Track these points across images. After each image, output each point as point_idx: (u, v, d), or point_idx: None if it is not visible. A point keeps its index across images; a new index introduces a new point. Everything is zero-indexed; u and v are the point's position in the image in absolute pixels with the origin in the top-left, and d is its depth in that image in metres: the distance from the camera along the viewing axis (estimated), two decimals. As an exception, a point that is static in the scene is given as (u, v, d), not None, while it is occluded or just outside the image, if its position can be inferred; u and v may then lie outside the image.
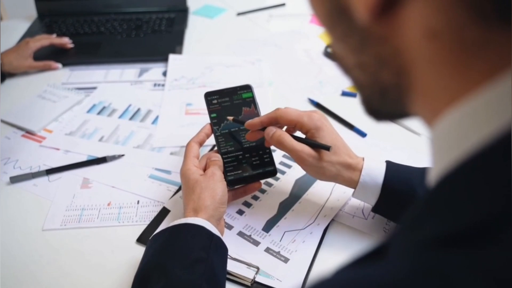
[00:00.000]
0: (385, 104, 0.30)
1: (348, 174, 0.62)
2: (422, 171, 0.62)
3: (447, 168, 0.23)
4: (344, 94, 0.98)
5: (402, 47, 0.25)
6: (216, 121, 0.70)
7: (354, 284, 0.22)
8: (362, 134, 0.86)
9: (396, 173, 0.62)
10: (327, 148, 0.60)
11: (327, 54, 1.10)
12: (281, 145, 0.62)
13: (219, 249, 0.58)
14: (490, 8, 0.21)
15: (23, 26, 1.25)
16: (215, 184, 0.62)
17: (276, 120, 0.64)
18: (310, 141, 0.62)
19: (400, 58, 0.25)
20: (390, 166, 0.62)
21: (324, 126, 0.63)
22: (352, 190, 0.64)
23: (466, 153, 0.22)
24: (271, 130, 0.63)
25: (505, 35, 0.21)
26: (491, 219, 0.20)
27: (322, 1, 0.28)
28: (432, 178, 0.26)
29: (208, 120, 0.71)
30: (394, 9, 0.24)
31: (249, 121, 0.65)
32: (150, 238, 0.60)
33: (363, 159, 0.63)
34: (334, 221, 0.68)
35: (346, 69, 0.31)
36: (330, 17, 0.28)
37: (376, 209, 0.64)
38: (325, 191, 0.72)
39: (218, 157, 0.67)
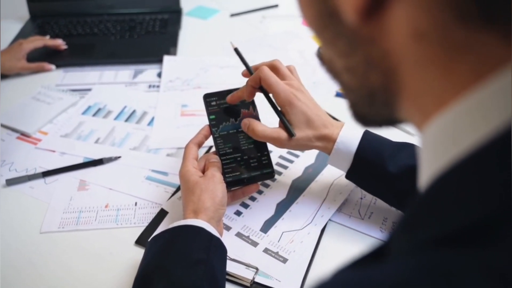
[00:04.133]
0: (374, 108, 0.30)
1: (323, 144, 0.66)
2: (396, 145, 0.65)
3: (441, 170, 0.23)
4: (338, 95, 0.99)
5: (390, 48, 0.25)
6: (215, 123, 0.71)
7: (356, 286, 0.22)
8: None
9: (369, 143, 0.64)
10: (292, 134, 0.64)
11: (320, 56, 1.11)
12: (255, 135, 0.67)
13: (219, 250, 0.58)
14: (474, 9, 0.21)
15: (16, 27, 1.24)
16: (215, 185, 0.62)
17: (259, 81, 0.66)
18: (282, 119, 0.66)
19: (388, 60, 0.25)
20: (366, 136, 0.65)
21: (296, 102, 0.65)
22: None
23: (461, 154, 0.22)
24: (245, 123, 0.68)
25: (491, 36, 0.21)
26: (492, 217, 0.20)
27: (312, 4, 0.28)
28: (424, 180, 0.25)
29: (204, 122, 0.71)
30: (381, 10, 0.24)
31: (232, 94, 0.70)
32: (149, 240, 0.60)
33: (342, 126, 0.65)
34: (331, 221, 0.69)
35: (335, 73, 0.31)
36: (320, 20, 0.28)
37: (348, 176, 0.67)
38: (322, 192, 0.73)
39: (216, 159, 0.68)
